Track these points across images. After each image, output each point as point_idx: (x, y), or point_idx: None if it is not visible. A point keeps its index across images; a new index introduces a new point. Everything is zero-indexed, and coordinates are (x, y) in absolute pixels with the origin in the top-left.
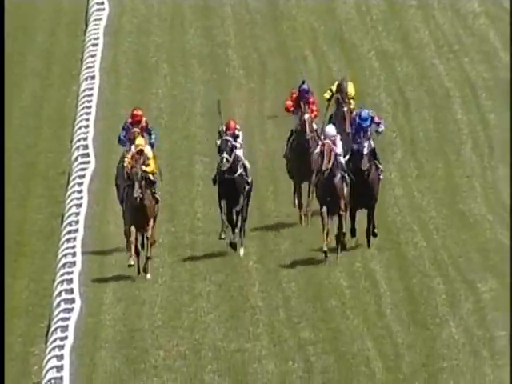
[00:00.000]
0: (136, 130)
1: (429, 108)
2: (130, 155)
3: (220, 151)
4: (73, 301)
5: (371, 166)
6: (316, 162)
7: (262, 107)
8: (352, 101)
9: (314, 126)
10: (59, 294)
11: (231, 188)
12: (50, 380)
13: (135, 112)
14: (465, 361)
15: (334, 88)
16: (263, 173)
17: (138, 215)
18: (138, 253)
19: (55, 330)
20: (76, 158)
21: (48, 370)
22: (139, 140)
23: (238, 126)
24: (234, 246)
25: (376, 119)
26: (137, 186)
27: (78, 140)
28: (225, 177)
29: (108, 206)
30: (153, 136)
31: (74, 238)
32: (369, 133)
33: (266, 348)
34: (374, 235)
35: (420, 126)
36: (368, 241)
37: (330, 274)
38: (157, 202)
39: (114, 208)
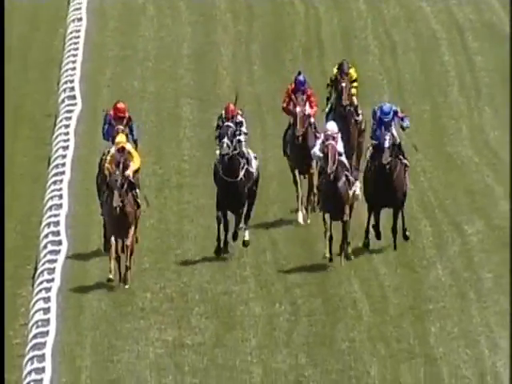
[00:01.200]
0: (120, 127)
1: (416, 50)
2: (109, 156)
3: (220, 137)
4: (60, 243)
5: (395, 161)
6: (311, 158)
7: (249, 50)
8: (355, 83)
9: (312, 120)
10: (46, 236)
11: (231, 194)
12: (36, 322)
13: (118, 105)
14: (451, 303)
15: (334, 69)
16: (250, 115)
17: (119, 223)
18: (119, 260)
19: (42, 272)
20: (63, 100)
21: (35, 312)
22: (120, 137)
23: (240, 111)
24: (235, 236)
25: (399, 114)
26: (116, 195)
27: (65, 82)
28: (224, 179)
29: (95, 149)
30: (134, 133)
31: (61, 181)
32: (392, 127)
33: (253, 291)
34: (406, 238)
35: (407, 69)
36: (394, 240)
37: (318, 218)
38: (138, 206)
39: (100, 151)
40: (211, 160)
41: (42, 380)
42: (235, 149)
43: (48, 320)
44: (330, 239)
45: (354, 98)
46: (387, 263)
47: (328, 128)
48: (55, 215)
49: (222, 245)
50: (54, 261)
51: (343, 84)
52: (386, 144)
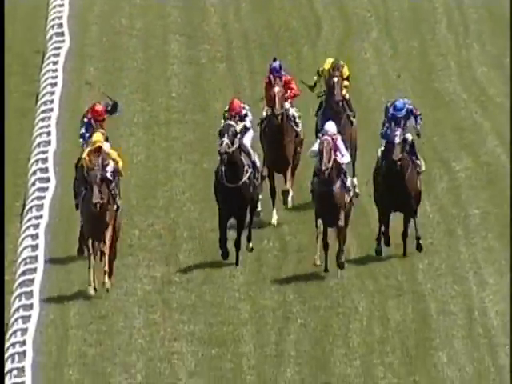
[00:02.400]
0: (101, 130)
1: None
2: (86, 153)
3: (220, 135)
4: (48, 180)
5: (406, 160)
6: (290, 152)
7: None
8: (346, 82)
9: (292, 110)
10: (34, 173)
11: (233, 199)
12: (25, 259)
13: (96, 108)
14: (439, 239)
15: (325, 66)
16: (239, 51)
17: (97, 223)
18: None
19: (30, 209)
20: (51, 37)
21: (23, 249)
22: (97, 136)
23: (245, 105)
24: (238, 244)
25: (414, 111)
26: (96, 190)
27: (53, 19)
28: (225, 184)
29: (83, 86)
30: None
31: (49, 117)
32: (403, 123)
33: None
34: (419, 248)
35: (395, 6)
36: (404, 247)
37: (306, 157)
38: (117, 208)
39: (89, 87)
40: (199, 98)
41: (29, 316)
42: (237, 160)
43: (36, 257)
44: (324, 247)
45: (346, 93)
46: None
47: (326, 128)
48: (43, 152)
49: (226, 250)
50: (42, 197)
51: (335, 79)
52: (397, 140)
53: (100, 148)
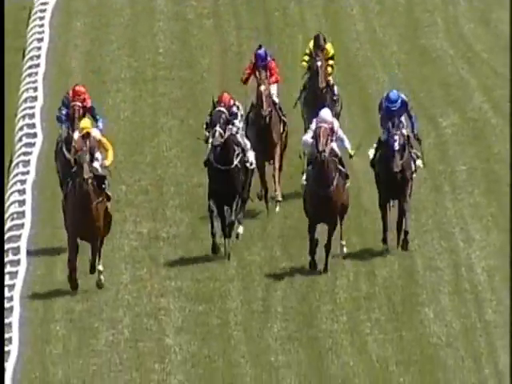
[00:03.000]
0: (77, 103)
1: None
2: (74, 142)
3: (211, 124)
4: (35, 135)
5: (406, 163)
6: (276, 140)
7: None
8: (331, 61)
9: (276, 100)
10: (21, 128)
11: (225, 183)
12: (12, 214)
13: (77, 88)
14: (426, 195)
15: (310, 44)
16: (226, 8)
17: (85, 214)
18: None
19: (17, 164)
20: None
21: (10, 204)
22: (84, 122)
23: (236, 102)
24: (228, 231)
25: (407, 103)
26: (86, 167)
27: None
28: (217, 167)
29: (69, 42)
30: (99, 123)
31: (36, 73)
32: (397, 122)
33: None
34: (404, 244)
35: None
36: (403, 241)
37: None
38: (108, 199)
39: (75, 43)
40: (186, 54)
41: (17, 272)
42: (229, 145)
43: (23, 212)
44: (315, 243)
45: (331, 78)
46: (362, 156)
47: (322, 116)
48: (30, 107)
49: (217, 240)
50: (29, 153)
51: (319, 63)
52: (396, 146)
53: (88, 134)
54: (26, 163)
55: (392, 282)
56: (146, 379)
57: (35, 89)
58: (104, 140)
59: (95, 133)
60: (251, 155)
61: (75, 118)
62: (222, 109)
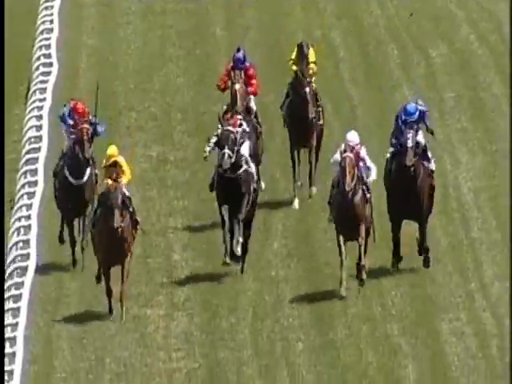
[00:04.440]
0: (85, 126)
1: None
2: (103, 170)
3: (220, 145)
4: (51, 65)
5: (419, 165)
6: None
7: None
8: (313, 65)
9: (253, 107)
10: (38, 58)
11: (233, 190)
12: (29, 138)
13: (79, 107)
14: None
15: (293, 55)
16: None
17: (116, 248)
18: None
19: (34, 91)
20: None
21: (28, 129)
22: (112, 150)
23: (242, 121)
24: (236, 259)
25: (427, 114)
26: (117, 214)
27: None
28: (224, 176)
29: None
30: (99, 129)
31: (52, 6)
32: (415, 127)
33: None
34: (426, 262)
35: None
36: (424, 257)
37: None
38: (136, 225)
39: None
40: None
41: (34, 192)
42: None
43: (40, 137)
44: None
45: (314, 84)
46: (356, 84)
47: (348, 138)
48: (46, 39)
49: (228, 247)
50: (46, 81)
51: (300, 69)
52: (409, 143)
53: (116, 163)
54: (43, 91)
55: (382, 200)
56: (155, 292)
57: (51, 21)
58: (125, 165)
59: (120, 159)
60: (253, 167)
61: (84, 140)
62: (230, 128)
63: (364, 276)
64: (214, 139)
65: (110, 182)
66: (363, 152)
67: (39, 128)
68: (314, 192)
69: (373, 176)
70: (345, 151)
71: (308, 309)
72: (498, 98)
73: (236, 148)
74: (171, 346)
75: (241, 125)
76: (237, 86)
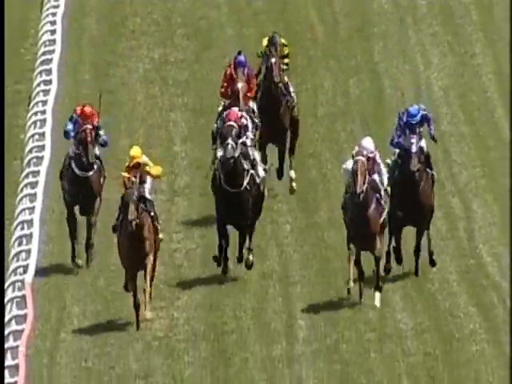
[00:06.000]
0: (88, 126)
1: None
2: (124, 173)
3: (221, 138)
4: (54, 32)
5: (422, 170)
6: None
7: None
8: (286, 59)
9: (251, 104)
10: (44, 25)
11: (234, 205)
12: (44, 42)
13: (86, 109)
14: (393, 26)
15: (264, 42)
16: None
17: (135, 249)
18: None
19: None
20: None
21: (43, 34)
22: (135, 151)
23: (244, 114)
24: (241, 258)
25: (429, 118)
26: (132, 207)
27: None
28: (225, 189)
29: None
30: (102, 136)
31: None
32: (418, 131)
33: None
34: (432, 263)
35: None
36: (416, 264)
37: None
38: (157, 231)
39: None
40: None
41: (49, 90)
42: (240, 151)
43: (54, 40)
44: (360, 276)
45: (285, 76)
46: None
47: (363, 145)
48: (53, 14)
49: (226, 263)
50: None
51: (273, 60)
52: (413, 148)
53: (139, 164)
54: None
55: (363, 99)
56: (158, 181)
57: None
58: (151, 164)
59: (144, 160)
60: (260, 169)
61: (88, 141)
62: (233, 123)
63: (381, 284)
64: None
65: (126, 175)
66: (377, 157)
67: (53, 32)
68: (293, 176)
69: (385, 182)
70: (357, 155)
71: (296, 196)
72: (466, 6)
73: (239, 141)
74: (171, 228)
75: (241, 117)
76: (239, 85)
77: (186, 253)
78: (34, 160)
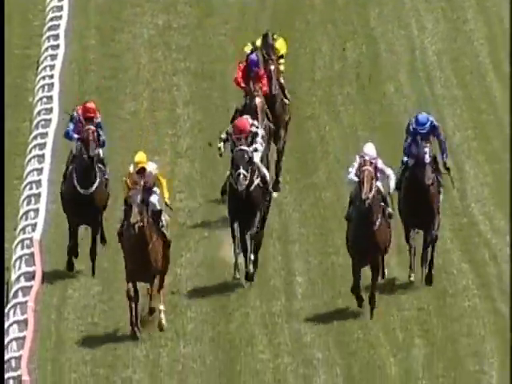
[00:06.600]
0: (91, 127)
1: None
2: (127, 178)
3: (234, 165)
4: (60, 9)
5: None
6: None
7: None
8: (282, 60)
9: (266, 122)
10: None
11: (244, 205)
12: (52, 8)
13: (88, 105)
14: (388, 10)
15: (258, 42)
16: None
17: (140, 257)
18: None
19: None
20: None
21: (51, 0)
22: (140, 156)
23: (254, 122)
24: (250, 277)
25: (437, 127)
26: (135, 210)
27: None
28: (237, 190)
29: None
30: (102, 136)
31: None
32: (430, 139)
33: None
34: (428, 280)
35: None
36: (428, 277)
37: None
38: (166, 243)
39: None
40: None
41: (56, 55)
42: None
43: (61, 7)
44: (358, 298)
45: (282, 80)
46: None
47: (365, 151)
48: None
49: (237, 262)
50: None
51: (272, 67)
52: (427, 159)
53: (144, 169)
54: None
55: (359, 61)
56: (161, 142)
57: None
58: (162, 179)
59: (151, 167)
60: (267, 173)
61: (90, 142)
62: (244, 147)
63: (375, 304)
64: (223, 135)
65: (128, 181)
66: (380, 164)
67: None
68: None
69: (392, 185)
70: (363, 165)
71: (295, 157)
72: None
73: (250, 167)
74: (175, 188)
75: (252, 125)
76: (257, 100)
77: (189, 211)
78: (43, 122)
